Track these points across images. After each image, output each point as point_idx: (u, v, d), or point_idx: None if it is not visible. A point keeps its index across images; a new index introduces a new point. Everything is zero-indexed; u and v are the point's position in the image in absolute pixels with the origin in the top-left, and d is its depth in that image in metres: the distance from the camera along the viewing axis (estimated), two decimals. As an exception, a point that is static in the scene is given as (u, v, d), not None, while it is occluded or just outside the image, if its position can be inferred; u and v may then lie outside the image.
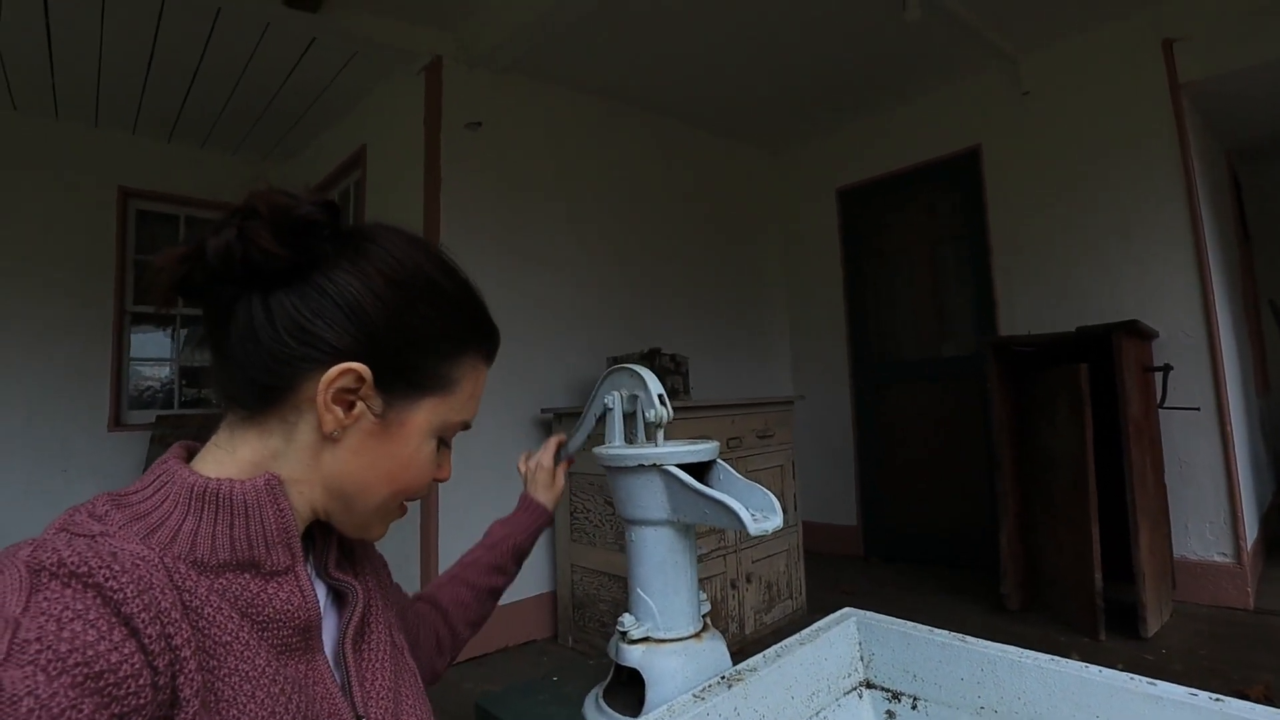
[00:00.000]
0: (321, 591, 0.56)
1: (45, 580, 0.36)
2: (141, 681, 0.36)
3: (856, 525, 3.58)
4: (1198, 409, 2.51)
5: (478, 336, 0.56)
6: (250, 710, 0.43)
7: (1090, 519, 2.30)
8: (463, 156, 2.67)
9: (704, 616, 0.80)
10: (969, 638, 0.83)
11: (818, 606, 2.79)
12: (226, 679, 0.42)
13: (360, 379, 0.49)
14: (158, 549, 0.43)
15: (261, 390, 0.49)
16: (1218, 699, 0.66)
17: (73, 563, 0.37)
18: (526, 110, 2.92)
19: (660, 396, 0.82)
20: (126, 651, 0.35)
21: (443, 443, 0.55)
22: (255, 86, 3.04)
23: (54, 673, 0.33)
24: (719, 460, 0.78)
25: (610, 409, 0.86)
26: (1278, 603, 2.49)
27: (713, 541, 2.37)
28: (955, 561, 3.16)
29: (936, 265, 3.44)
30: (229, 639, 0.43)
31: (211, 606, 0.43)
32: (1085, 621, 2.32)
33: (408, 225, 0.56)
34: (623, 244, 3.20)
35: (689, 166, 3.59)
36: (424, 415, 0.52)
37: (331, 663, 0.53)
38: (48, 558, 0.37)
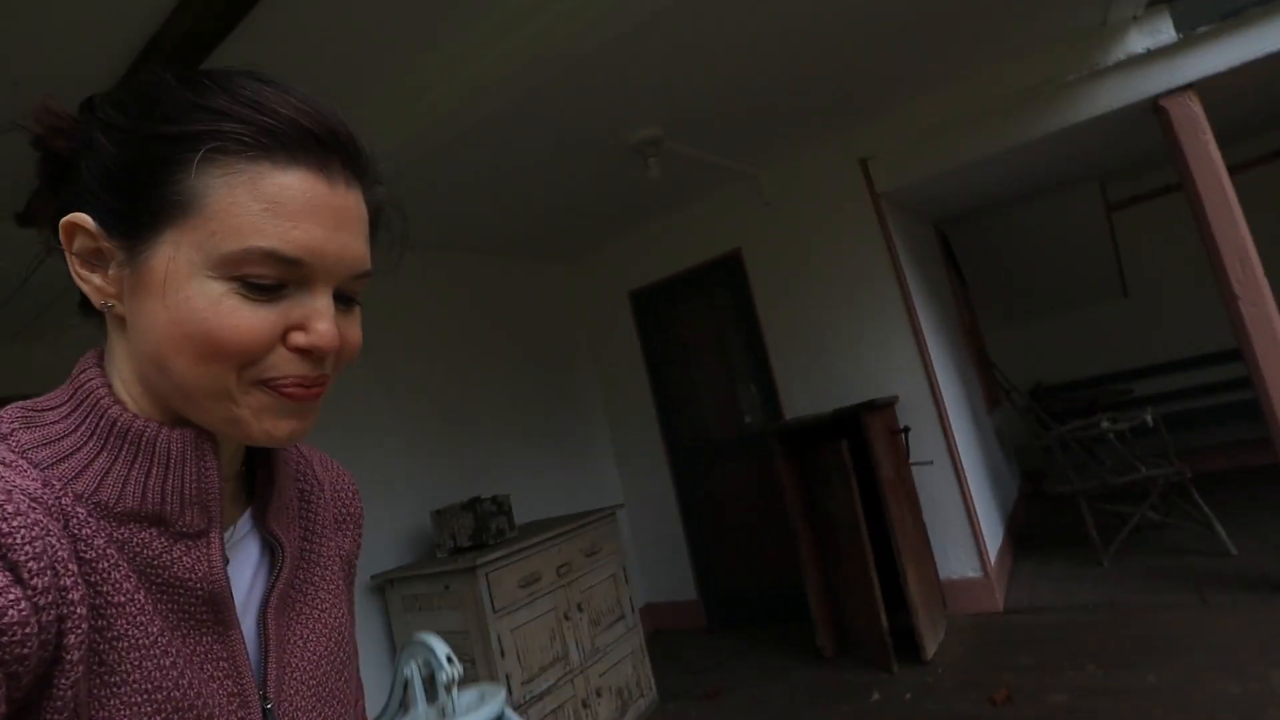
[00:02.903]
0: (256, 547, 0.51)
1: None
2: (28, 630, 0.32)
3: (697, 599, 3.86)
4: (931, 463, 3.09)
5: (220, 124, 0.40)
6: (134, 681, 0.38)
7: (869, 570, 2.73)
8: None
9: None
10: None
11: (670, 694, 2.98)
12: (114, 643, 0.38)
13: (81, 229, 0.42)
14: (59, 484, 0.39)
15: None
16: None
17: None
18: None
19: (448, 656, 0.95)
20: (11, 597, 0.32)
21: (265, 288, 0.40)
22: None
23: None
24: (506, 710, 0.93)
25: (409, 678, 0.97)
26: (1020, 601, 3.09)
27: (558, 670, 2.48)
28: (787, 616, 3.51)
29: (724, 355, 3.89)
30: (123, 599, 0.39)
31: (108, 561, 0.39)
32: (880, 658, 2.73)
33: None
34: (435, 390, 3.24)
35: (490, 294, 3.75)
36: (166, 251, 0.40)
37: (253, 633, 0.48)
38: None
